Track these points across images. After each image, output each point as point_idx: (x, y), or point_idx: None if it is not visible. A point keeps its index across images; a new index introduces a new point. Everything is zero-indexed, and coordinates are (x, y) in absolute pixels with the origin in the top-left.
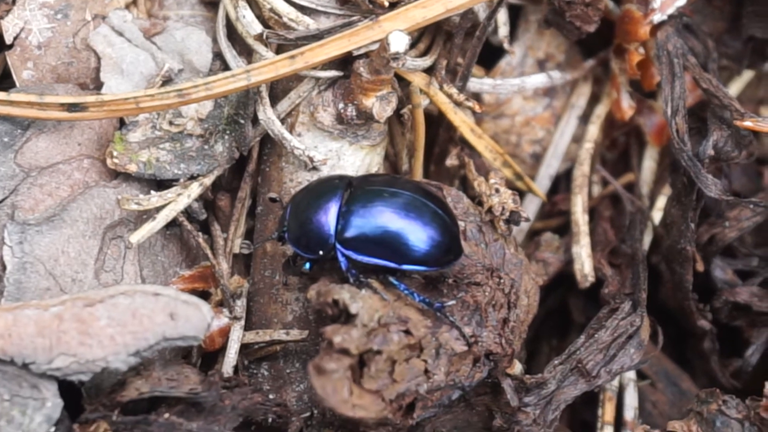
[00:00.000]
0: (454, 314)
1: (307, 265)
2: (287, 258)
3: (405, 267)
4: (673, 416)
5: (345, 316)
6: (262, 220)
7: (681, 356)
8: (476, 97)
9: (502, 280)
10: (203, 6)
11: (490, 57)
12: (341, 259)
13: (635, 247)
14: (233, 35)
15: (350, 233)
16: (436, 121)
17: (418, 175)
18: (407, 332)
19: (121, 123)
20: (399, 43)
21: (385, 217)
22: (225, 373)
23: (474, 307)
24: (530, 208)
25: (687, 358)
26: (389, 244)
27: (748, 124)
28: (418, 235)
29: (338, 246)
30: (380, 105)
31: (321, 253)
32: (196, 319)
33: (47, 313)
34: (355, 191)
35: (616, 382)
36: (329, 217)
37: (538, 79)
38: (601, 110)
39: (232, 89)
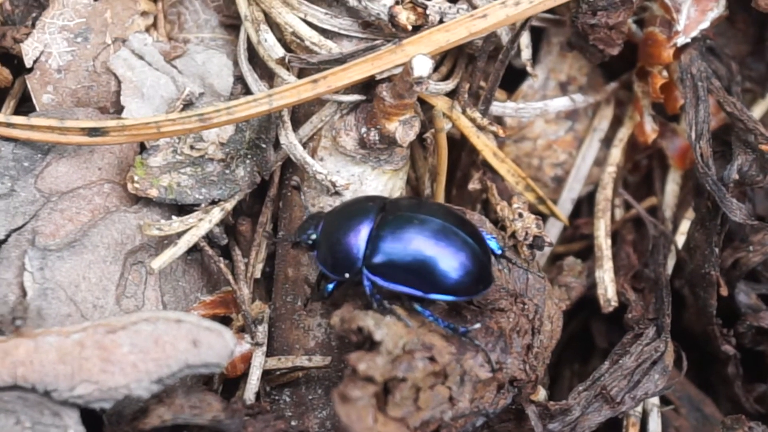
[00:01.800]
0: (479, 339)
1: (329, 287)
2: (313, 284)
3: (433, 296)
4: None
5: (369, 343)
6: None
7: (704, 381)
8: (498, 120)
9: (526, 306)
10: (224, 29)
11: (511, 80)
12: (366, 283)
13: (658, 272)
14: (255, 59)
15: (379, 259)
16: (458, 144)
17: (440, 199)
18: (432, 359)
19: (142, 147)
20: (422, 67)
21: (415, 245)
22: (247, 400)
23: (498, 334)
24: (552, 231)
25: (710, 383)
26: (419, 273)
27: None
28: (449, 266)
29: (365, 271)
30: (403, 129)
31: (347, 275)
32: (218, 346)
33: (69, 340)
34: (387, 216)
35: (639, 408)
36: (359, 239)
37: (561, 102)
38: (623, 133)
39: (253, 113)
